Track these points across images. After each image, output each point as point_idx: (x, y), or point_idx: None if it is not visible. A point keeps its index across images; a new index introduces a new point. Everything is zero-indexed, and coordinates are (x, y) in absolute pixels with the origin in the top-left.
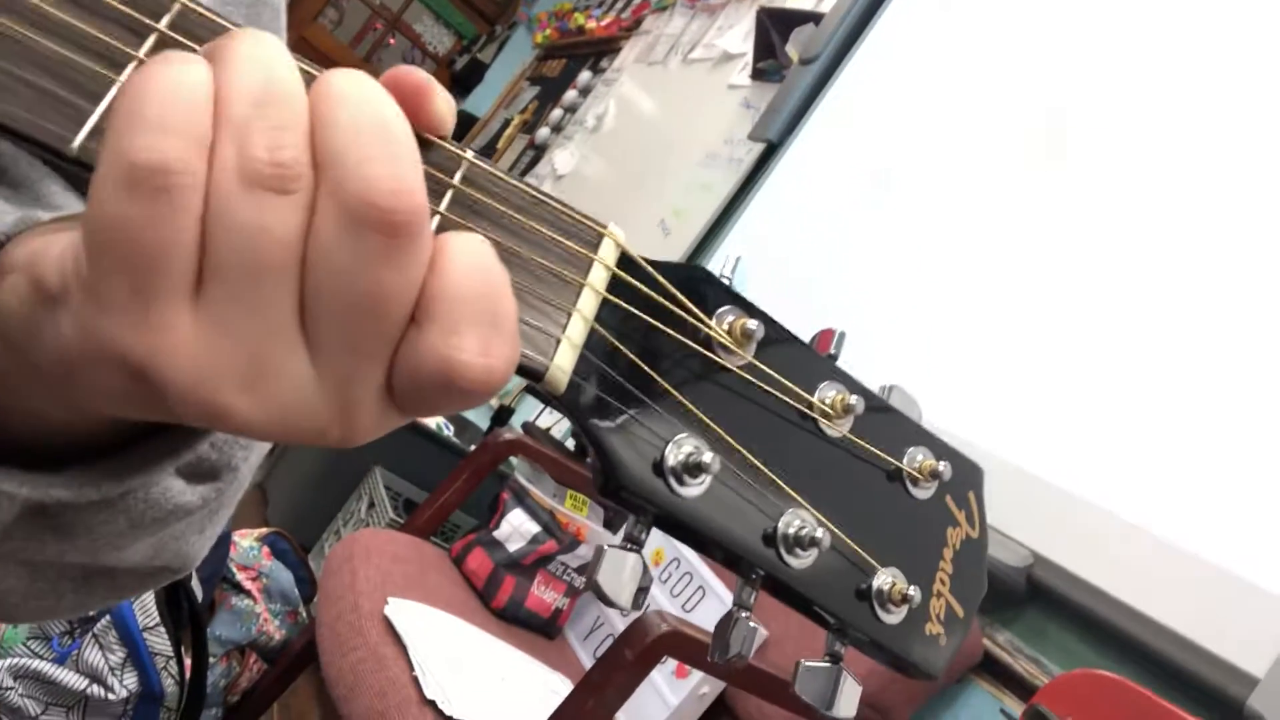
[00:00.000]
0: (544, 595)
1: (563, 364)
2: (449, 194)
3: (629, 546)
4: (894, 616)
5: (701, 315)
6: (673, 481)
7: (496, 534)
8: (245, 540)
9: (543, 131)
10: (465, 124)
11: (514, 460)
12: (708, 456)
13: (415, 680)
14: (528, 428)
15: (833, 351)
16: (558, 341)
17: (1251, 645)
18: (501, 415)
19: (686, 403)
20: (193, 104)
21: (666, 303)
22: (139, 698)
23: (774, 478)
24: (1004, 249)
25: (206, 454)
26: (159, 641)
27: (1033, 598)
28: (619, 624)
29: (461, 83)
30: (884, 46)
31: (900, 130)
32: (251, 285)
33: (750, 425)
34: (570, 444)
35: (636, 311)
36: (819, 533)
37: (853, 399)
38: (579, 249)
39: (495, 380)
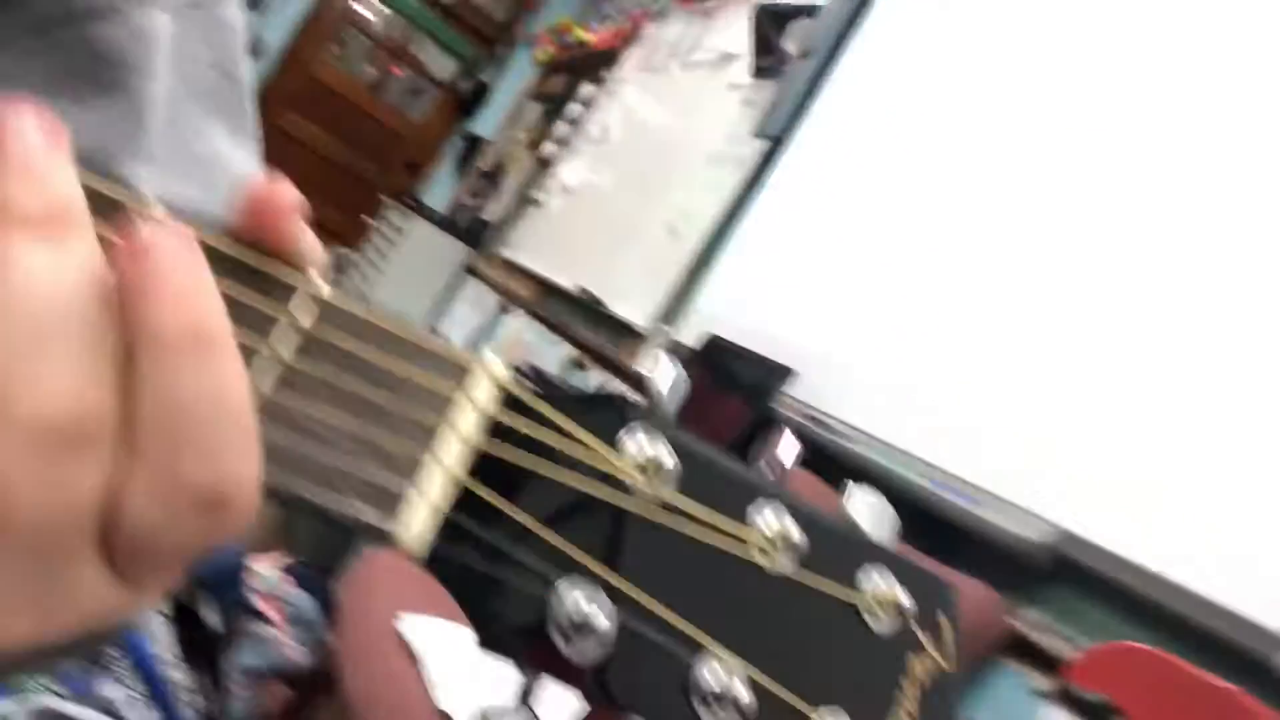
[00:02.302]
0: None
1: (416, 528)
2: (295, 340)
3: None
4: None
5: (604, 451)
6: (561, 642)
7: None
8: (264, 568)
9: (549, 147)
10: (473, 146)
11: None
12: (602, 612)
13: (431, 694)
14: None
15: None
16: (412, 503)
17: (1277, 604)
18: None
19: (586, 558)
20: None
21: (560, 437)
22: None
23: (686, 625)
24: (1010, 233)
25: None
26: (177, 674)
27: (1057, 572)
28: None
29: (467, 107)
30: (883, 34)
31: (904, 116)
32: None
33: (665, 569)
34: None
35: (520, 456)
36: (737, 682)
37: (791, 526)
38: (446, 390)
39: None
